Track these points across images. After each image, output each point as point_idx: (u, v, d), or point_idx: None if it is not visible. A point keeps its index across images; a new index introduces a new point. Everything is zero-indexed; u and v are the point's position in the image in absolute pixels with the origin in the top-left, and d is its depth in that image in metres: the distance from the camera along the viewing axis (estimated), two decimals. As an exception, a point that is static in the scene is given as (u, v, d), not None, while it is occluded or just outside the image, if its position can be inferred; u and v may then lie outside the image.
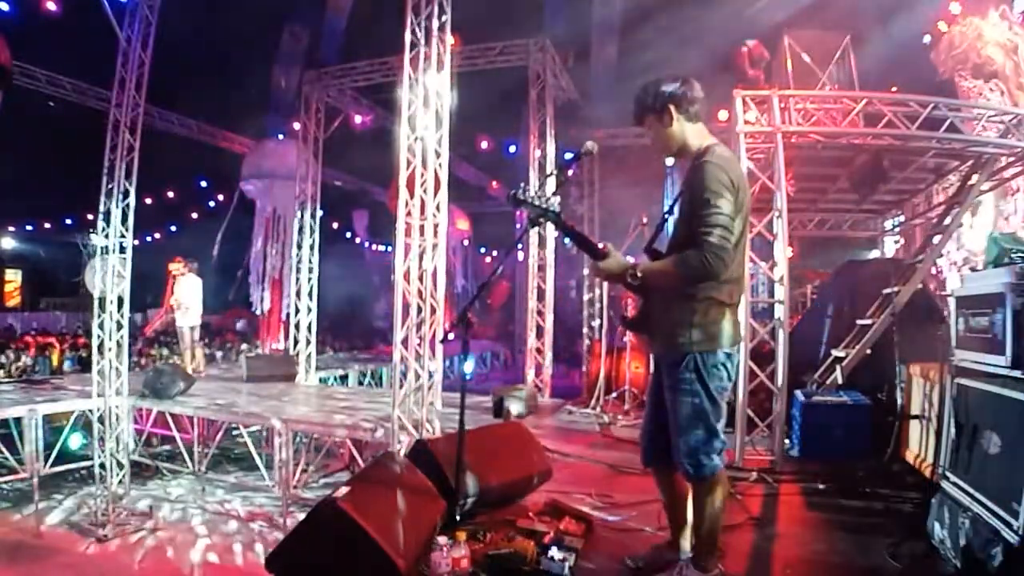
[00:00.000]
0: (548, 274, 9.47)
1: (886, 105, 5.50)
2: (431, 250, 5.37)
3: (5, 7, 9.90)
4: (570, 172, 4.26)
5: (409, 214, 5.35)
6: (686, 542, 2.68)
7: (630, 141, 10.07)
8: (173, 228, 18.78)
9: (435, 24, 5.41)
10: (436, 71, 5.42)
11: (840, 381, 5.68)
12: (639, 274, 2.35)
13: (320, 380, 9.95)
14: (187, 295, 9.20)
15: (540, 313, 9.49)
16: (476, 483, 3.16)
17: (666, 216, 2.75)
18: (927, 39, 8.81)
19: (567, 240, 2.54)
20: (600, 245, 2.42)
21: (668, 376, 2.44)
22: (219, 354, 13.19)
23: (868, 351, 5.64)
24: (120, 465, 6.62)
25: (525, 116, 9.80)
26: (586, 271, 10.52)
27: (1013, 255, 3.00)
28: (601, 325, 9.72)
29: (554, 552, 2.64)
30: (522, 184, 2.46)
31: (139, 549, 5.70)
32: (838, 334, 6.22)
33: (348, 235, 20.39)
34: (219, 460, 7.54)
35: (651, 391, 2.69)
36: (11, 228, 19.81)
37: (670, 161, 2.51)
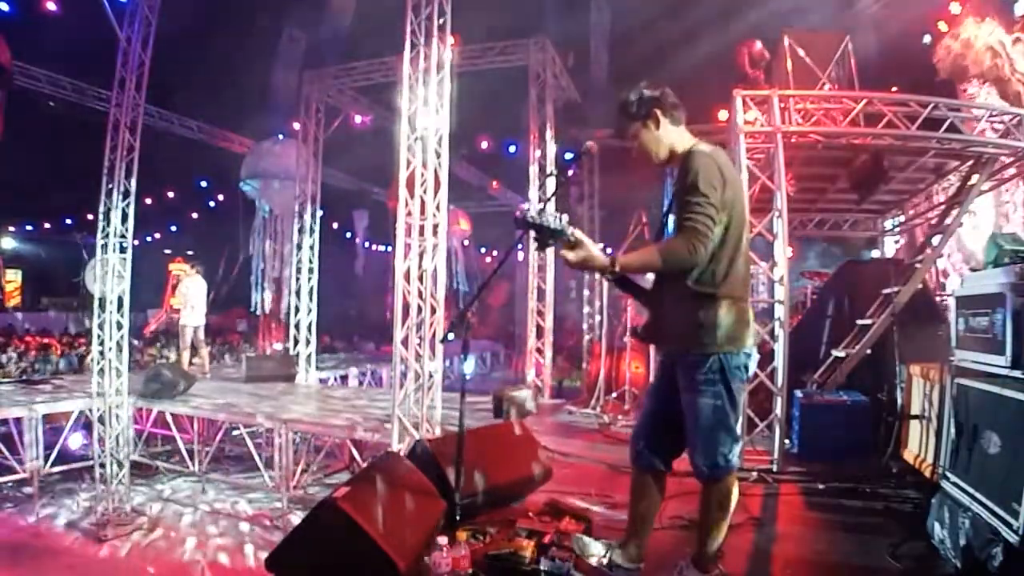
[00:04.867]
0: (548, 274, 9.48)
1: (886, 105, 5.50)
2: (431, 250, 5.37)
3: (5, 7, 9.91)
4: (570, 172, 4.24)
5: (409, 214, 5.35)
6: (636, 551, 2.65)
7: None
8: (173, 228, 18.77)
9: (435, 24, 5.41)
10: (436, 71, 5.42)
11: (840, 381, 5.69)
12: (618, 267, 2.26)
13: (320, 380, 9.95)
14: (192, 295, 9.22)
15: (540, 313, 9.49)
16: (476, 483, 3.16)
17: (665, 219, 2.75)
18: (927, 39, 8.81)
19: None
20: (569, 232, 2.25)
21: (686, 377, 2.38)
22: (227, 355, 13.18)
23: (868, 351, 5.64)
24: (120, 465, 6.61)
25: (525, 116, 9.80)
26: (586, 275, 10.52)
27: (1013, 255, 3.00)
28: (601, 325, 9.72)
29: (554, 552, 2.64)
30: (527, 205, 2.29)
31: (139, 549, 5.70)
32: (838, 334, 6.23)
33: (348, 235, 20.39)
34: (219, 460, 7.53)
35: (654, 392, 2.66)
36: (11, 228, 19.80)
37: (670, 164, 2.50)
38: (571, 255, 2.27)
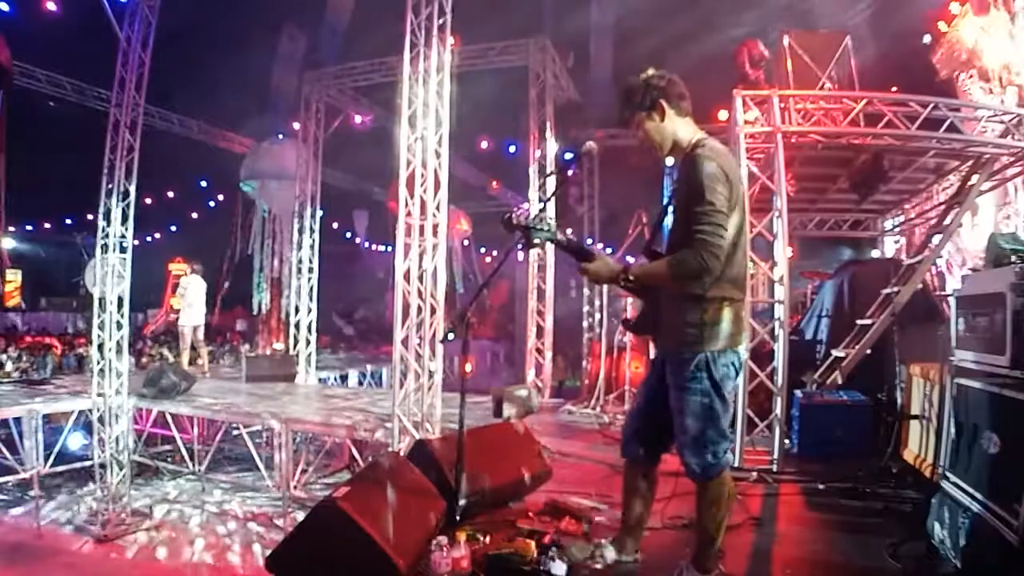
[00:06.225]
0: (548, 274, 9.48)
1: (886, 105, 5.50)
2: (431, 250, 5.37)
3: (5, 7, 9.90)
4: (570, 172, 4.25)
5: (409, 214, 5.35)
6: (632, 544, 2.67)
7: (630, 141, 10.02)
8: (173, 228, 18.76)
9: (435, 24, 5.41)
10: (436, 71, 5.42)
11: (840, 381, 5.68)
12: (631, 277, 2.33)
13: (320, 380, 9.95)
14: (192, 295, 9.22)
15: (540, 313, 9.49)
16: (476, 483, 3.15)
17: (663, 217, 2.74)
18: (927, 39, 8.81)
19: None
20: (553, 230, 2.40)
21: (675, 375, 2.39)
22: (227, 355, 13.17)
23: (868, 351, 5.64)
24: (120, 465, 6.61)
25: (525, 116, 9.80)
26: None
27: (1013, 255, 3.00)
28: (601, 324, 9.72)
29: (554, 552, 2.64)
30: (514, 209, 2.44)
31: (139, 549, 5.70)
32: (838, 334, 6.22)
33: (348, 235, 20.37)
34: (219, 460, 7.53)
35: (646, 387, 2.67)
36: (11, 228, 19.76)
37: (670, 161, 2.47)
38: (591, 266, 2.38)
